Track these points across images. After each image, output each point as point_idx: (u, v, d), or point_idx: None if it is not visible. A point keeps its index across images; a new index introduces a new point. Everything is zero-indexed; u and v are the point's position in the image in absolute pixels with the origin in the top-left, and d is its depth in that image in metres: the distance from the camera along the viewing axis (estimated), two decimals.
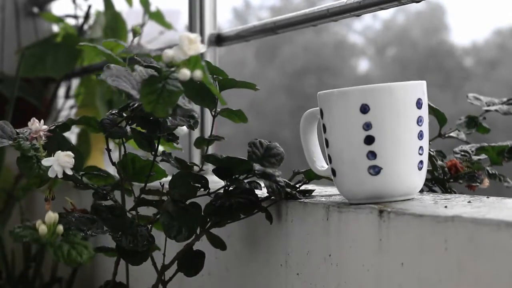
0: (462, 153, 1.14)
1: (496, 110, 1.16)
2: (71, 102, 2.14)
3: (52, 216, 0.95)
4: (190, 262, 1.07)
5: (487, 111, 1.17)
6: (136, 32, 1.15)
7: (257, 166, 1.01)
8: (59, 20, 2.14)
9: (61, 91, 2.15)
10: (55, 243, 0.95)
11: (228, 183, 1.04)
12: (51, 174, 0.97)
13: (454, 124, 1.18)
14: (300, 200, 1.02)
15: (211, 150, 1.48)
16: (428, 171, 1.11)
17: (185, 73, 0.88)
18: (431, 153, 1.11)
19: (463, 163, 1.12)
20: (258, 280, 1.10)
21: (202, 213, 1.04)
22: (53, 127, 1.04)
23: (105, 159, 1.90)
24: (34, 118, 1.00)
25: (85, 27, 2.06)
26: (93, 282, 1.75)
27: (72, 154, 0.98)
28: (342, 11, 1.23)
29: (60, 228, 0.95)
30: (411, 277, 0.82)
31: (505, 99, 1.19)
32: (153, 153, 1.06)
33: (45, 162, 0.97)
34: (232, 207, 1.01)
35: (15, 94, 1.80)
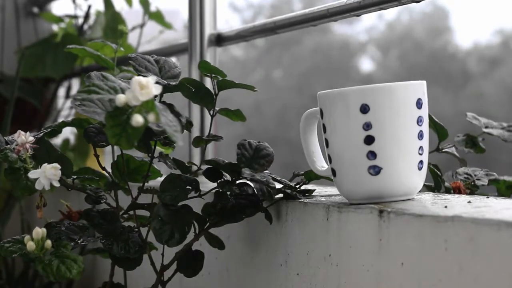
0: (466, 175, 1.13)
1: (498, 136, 1.15)
2: None
3: (39, 231, 0.96)
4: (189, 263, 1.06)
5: (489, 133, 1.16)
6: (122, 32, 1.15)
7: (246, 171, 0.99)
8: (59, 20, 2.14)
9: (61, 91, 2.15)
10: (44, 259, 0.95)
11: (219, 187, 1.02)
12: (38, 186, 0.97)
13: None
14: (300, 200, 1.01)
15: (211, 149, 1.48)
16: (430, 188, 1.11)
17: (137, 120, 0.83)
18: (438, 173, 1.10)
19: (465, 185, 1.11)
20: (258, 280, 1.10)
21: (201, 213, 1.04)
22: (41, 134, 1.04)
23: (106, 159, 1.89)
24: (20, 131, 0.99)
25: (85, 27, 2.06)
26: (93, 282, 1.75)
27: (59, 166, 0.97)
28: (342, 11, 1.23)
29: (49, 243, 0.96)
30: (411, 277, 0.82)
31: (505, 124, 1.18)
32: (149, 155, 1.05)
33: (32, 174, 0.97)
34: (234, 209, 1.01)
35: (15, 94, 1.79)
